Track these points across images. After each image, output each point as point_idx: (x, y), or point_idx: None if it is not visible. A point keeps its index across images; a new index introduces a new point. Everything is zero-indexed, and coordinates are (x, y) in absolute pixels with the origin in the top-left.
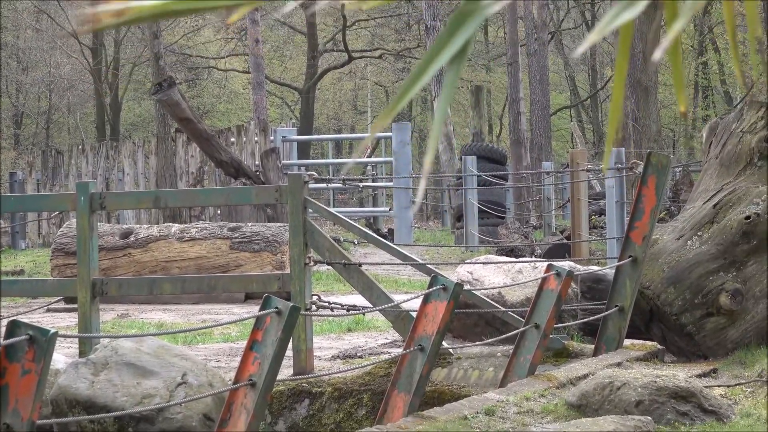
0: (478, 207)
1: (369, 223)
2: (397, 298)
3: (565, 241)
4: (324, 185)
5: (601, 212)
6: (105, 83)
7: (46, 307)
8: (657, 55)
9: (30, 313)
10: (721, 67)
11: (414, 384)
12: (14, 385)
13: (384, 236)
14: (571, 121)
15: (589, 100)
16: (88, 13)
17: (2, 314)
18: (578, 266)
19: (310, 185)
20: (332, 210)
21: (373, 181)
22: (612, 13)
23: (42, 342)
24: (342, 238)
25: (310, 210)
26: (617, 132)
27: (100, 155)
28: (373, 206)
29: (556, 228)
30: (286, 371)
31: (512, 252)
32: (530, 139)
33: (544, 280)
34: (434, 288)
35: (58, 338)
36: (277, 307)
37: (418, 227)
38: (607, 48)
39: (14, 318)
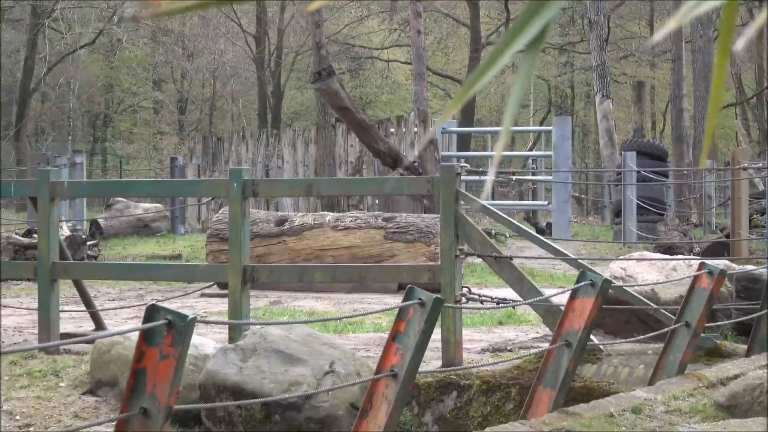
0: (638, 203)
1: (528, 216)
2: (549, 292)
3: (724, 239)
4: (477, 177)
5: (763, 211)
6: (268, 71)
7: (200, 292)
8: (740, 45)
9: (184, 297)
10: None
11: (559, 379)
12: (152, 369)
13: (542, 230)
14: (736, 119)
15: (755, 98)
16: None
17: (158, 297)
18: (734, 265)
19: (467, 177)
20: (485, 203)
21: (533, 174)
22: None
23: (180, 327)
24: (494, 231)
25: (463, 202)
26: (714, 131)
27: (260, 142)
28: (533, 200)
29: (716, 226)
30: (434, 363)
31: (670, 249)
32: (693, 137)
33: (696, 278)
34: (582, 283)
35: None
36: (420, 299)
37: (578, 222)
38: None
39: (154, 302)
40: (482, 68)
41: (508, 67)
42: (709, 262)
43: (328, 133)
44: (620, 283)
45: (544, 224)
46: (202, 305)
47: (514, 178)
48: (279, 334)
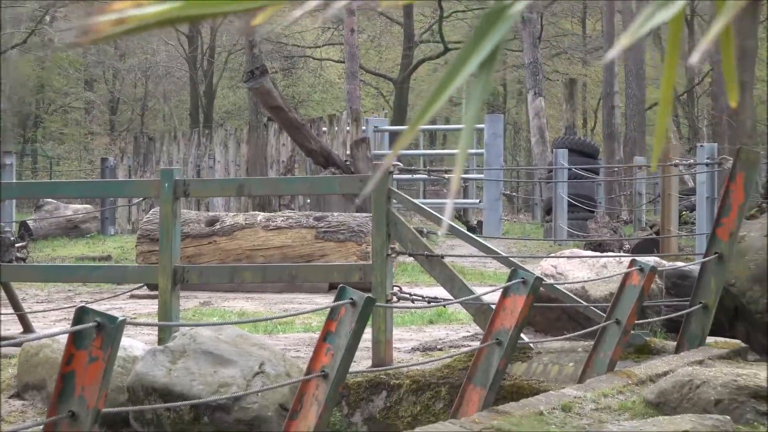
0: (568, 201)
1: (459, 214)
2: (480, 290)
3: (654, 236)
4: (410, 176)
5: (692, 208)
6: (200, 71)
7: (129, 294)
8: (694, 59)
9: (113, 299)
10: None
11: (490, 378)
12: (81, 372)
13: (473, 228)
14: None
15: (685, 95)
16: (88, 24)
17: (87, 299)
18: (664, 262)
19: (398, 176)
20: (417, 201)
21: (465, 172)
22: (645, 14)
23: (110, 329)
24: (425, 230)
25: (394, 201)
26: (666, 132)
27: (191, 142)
28: (464, 198)
29: (646, 223)
30: (364, 363)
31: (600, 246)
32: (624, 134)
33: (627, 275)
34: (513, 281)
35: (138, 325)
36: (351, 298)
37: (508, 220)
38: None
39: (83, 304)
40: (435, 93)
41: (439, 64)
42: (639, 259)
43: (260, 132)
44: (551, 281)
45: (475, 222)
46: (131, 307)
47: (446, 176)
48: (209, 336)
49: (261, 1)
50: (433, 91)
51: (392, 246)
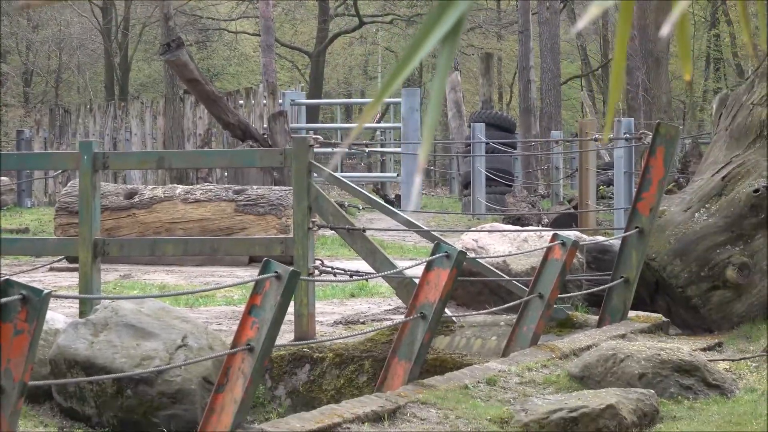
0: (486, 175)
1: (377, 188)
2: (401, 264)
3: (572, 210)
4: (329, 149)
5: (610, 182)
6: (115, 43)
7: (48, 266)
8: (665, 31)
9: (33, 272)
10: (734, 39)
11: (415, 352)
12: (6, 345)
13: (391, 202)
14: (582, 90)
15: (600, 69)
16: None
17: (6, 272)
18: (584, 236)
19: (317, 149)
20: (338, 175)
21: (382, 146)
22: None
23: (35, 302)
24: (347, 203)
25: (315, 174)
26: (619, 102)
27: (107, 115)
28: (381, 172)
29: (564, 197)
30: (287, 336)
31: (519, 221)
32: (540, 108)
33: (549, 249)
34: (437, 255)
35: (59, 298)
36: (276, 272)
37: (426, 194)
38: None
39: (7, 277)
40: (400, 64)
41: (355, 38)
42: (561, 233)
43: (176, 105)
44: (473, 255)
45: (393, 196)
46: (51, 280)
47: (367, 150)
48: (131, 308)
49: None
50: (398, 63)
51: (313, 219)
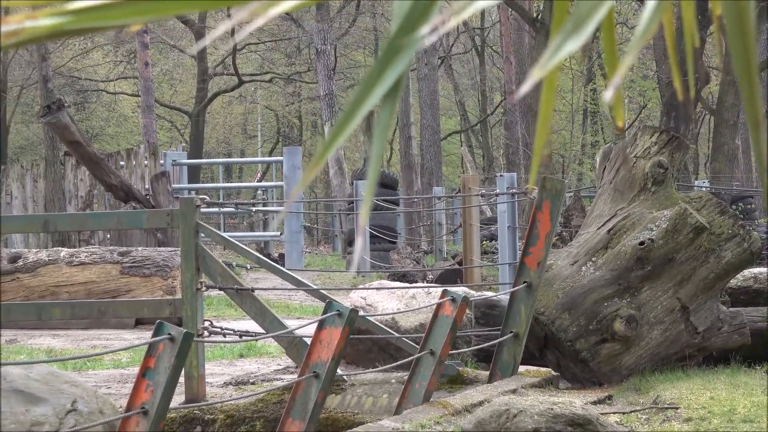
0: (370, 232)
1: (260, 247)
2: (289, 323)
3: (457, 266)
4: (216, 209)
5: (492, 237)
6: None
7: None
8: (608, 96)
9: None
10: None
11: (309, 411)
12: None
13: (275, 261)
14: (461, 146)
15: (479, 125)
16: None
17: None
18: (472, 292)
19: (202, 209)
20: (224, 234)
21: (265, 205)
22: (555, 45)
23: None
24: (234, 263)
25: (202, 234)
26: (542, 151)
27: None
28: (264, 231)
29: (447, 253)
30: (177, 398)
31: (404, 277)
32: (421, 164)
33: (440, 305)
34: (329, 314)
35: None
36: (170, 334)
37: (309, 252)
38: (497, 73)
39: None
40: (339, 125)
41: (234, 97)
42: (451, 289)
43: (57, 167)
44: (362, 313)
45: (277, 255)
46: None
47: (254, 209)
48: (19, 373)
49: (154, 14)
50: (337, 123)
51: (201, 280)
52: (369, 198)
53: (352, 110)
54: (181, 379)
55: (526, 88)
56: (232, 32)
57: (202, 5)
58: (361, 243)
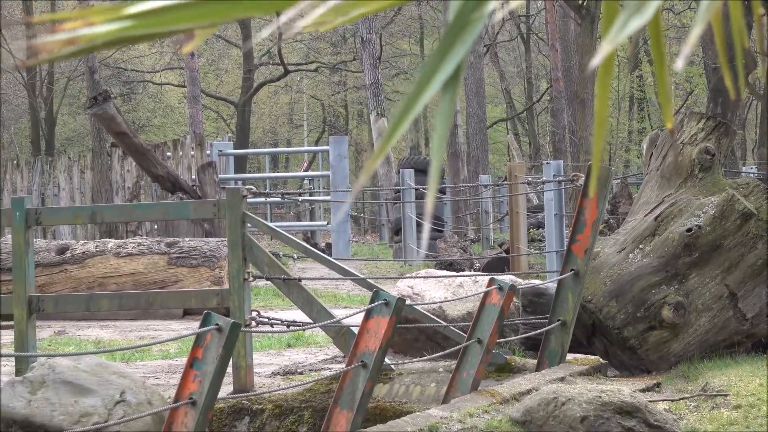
0: (417, 221)
1: (306, 237)
2: (336, 312)
3: (504, 254)
4: (262, 199)
5: (539, 225)
6: (39, 97)
7: None
8: (679, 65)
9: None
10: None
11: (356, 401)
12: None
13: (322, 251)
14: (508, 133)
15: (525, 112)
16: (39, 44)
17: None
18: (519, 280)
19: (248, 199)
20: (271, 224)
21: (311, 195)
22: (621, 20)
23: None
24: (281, 253)
25: (249, 224)
26: (601, 143)
27: (35, 170)
28: (311, 220)
29: (494, 241)
30: (225, 388)
31: (451, 266)
32: (467, 152)
33: (487, 294)
34: (376, 303)
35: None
36: (217, 324)
37: (356, 241)
38: (543, 60)
39: None
40: (400, 114)
41: (280, 87)
42: (498, 277)
43: (103, 159)
44: (409, 302)
45: (324, 244)
46: None
47: (300, 199)
48: (68, 365)
49: (220, 17)
50: (398, 113)
51: (248, 270)
52: (434, 185)
53: (412, 100)
54: (229, 370)
55: (597, 60)
56: (278, 22)
57: (271, 6)
58: (428, 229)
